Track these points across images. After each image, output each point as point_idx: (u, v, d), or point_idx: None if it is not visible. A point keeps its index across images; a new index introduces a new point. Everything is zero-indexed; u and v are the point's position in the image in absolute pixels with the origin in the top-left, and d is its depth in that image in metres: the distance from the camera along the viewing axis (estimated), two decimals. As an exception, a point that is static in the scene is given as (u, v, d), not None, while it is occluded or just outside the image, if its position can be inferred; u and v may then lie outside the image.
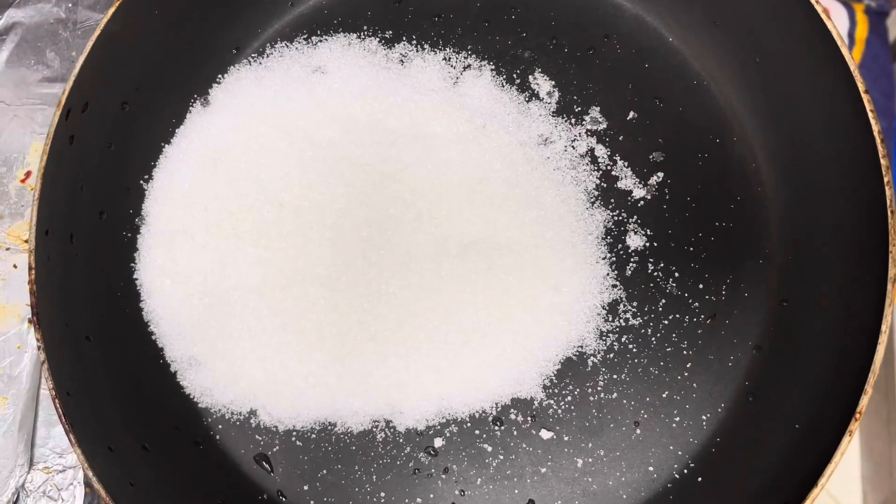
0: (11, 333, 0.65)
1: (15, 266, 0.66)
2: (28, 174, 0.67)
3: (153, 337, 0.59)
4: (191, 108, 0.62)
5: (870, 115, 0.51)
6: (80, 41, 0.69)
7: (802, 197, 0.58)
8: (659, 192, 0.60)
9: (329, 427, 0.58)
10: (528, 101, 0.61)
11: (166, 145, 0.62)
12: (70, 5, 0.70)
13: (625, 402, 0.57)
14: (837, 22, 0.78)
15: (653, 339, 0.58)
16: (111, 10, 0.55)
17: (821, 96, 0.55)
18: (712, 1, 0.59)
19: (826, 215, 0.56)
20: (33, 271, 0.54)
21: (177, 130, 0.62)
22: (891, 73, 0.80)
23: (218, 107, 0.62)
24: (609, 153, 0.61)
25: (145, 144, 0.61)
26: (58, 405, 0.52)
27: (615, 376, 0.58)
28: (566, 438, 0.57)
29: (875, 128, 0.51)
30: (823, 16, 0.52)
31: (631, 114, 0.61)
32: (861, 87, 0.52)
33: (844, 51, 0.52)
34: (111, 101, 0.58)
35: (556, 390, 0.58)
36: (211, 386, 0.59)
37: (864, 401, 0.49)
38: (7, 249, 0.66)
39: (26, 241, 0.66)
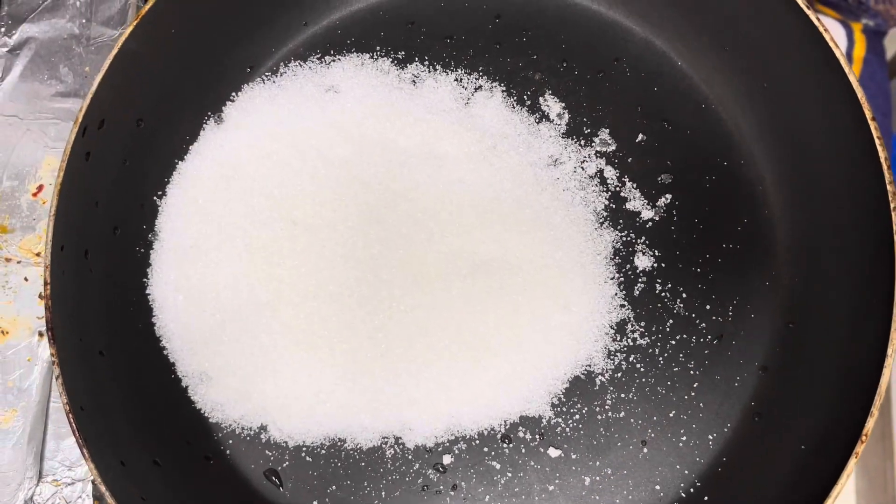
0: (22, 346, 0.66)
1: (26, 279, 0.67)
2: (40, 188, 0.68)
3: (165, 352, 0.60)
4: (205, 125, 0.63)
5: (877, 142, 0.52)
6: (93, 57, 0.70)
7: (809, 220, 0.58)
8: (667, 213, 0.61)
9: (339, 443, 0.59)
10: (538, 123, 0.62)
11: (180, 162, 0.62)
12: (84, 21, 0.70)
13: (632, 420, 0.58)
14: (836, 41, 0.79)
15: (660, 358, 0.59)
16: (128, 29, 0.56)
17: (828, 122, 0.56)
18: (721, 26, 0.60)
19: (833, 238, 0.57)
20: (48, 286, 0.54)
21: (191, 147, 0.63)
22: (888, 92, 0.81)
23: (231, 124, 0.63)
24: (618, 175, 0.61)
25: (160, 161, 0.62)
26: (72, 420, 0.52)
27: (623, 395, 0.58)
28: (574, 456, 0.58)
29: (882, 154, 0.52)
30: (832, 44, 0.53)
31: (640, 136, 0.62)
32: (868, 114, 0.53)
33: (852, 78, 0.53)
34: (127, 117, 0.59)
35: (564, 409, 0.58)
36: (222, 401, 0.59)
37: (871, 423, 0.50)
38: (18, 262, 0.67)
39: (38, 255, 0.67)
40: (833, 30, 0.81)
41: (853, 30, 0.82)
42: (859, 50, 0.82)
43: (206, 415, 0.59)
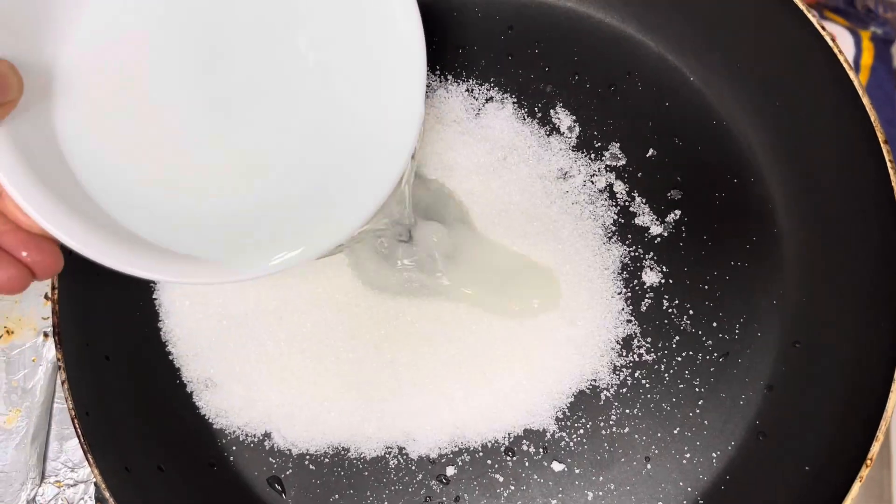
0: (27, 346, 0.66)
1: (32, 279, 0.67)
2: (48, 188, 0.68)
3: (171, 357, 0.60)
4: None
5: (889, 165, 0.52)
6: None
7: (819, 239, 0.58)
8: (676, 229, 0.61)
9: (342, 452, 0.59)
10: (548, 136, 0.62)
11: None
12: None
13: (636, 436, 0.58)
14: (843, 49, 0.78)
15: (666, 375, 0.59)
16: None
17: (839, 142, 0.56)
18: (734, 44, 0.60)
19: (842, 258, 0.57)
20: (56, 291, 0.54)
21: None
22: (895, 101, 0.81)
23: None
24: (627, 189, 0.61)
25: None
26: (76, 425, 0.53)
27: (627, 411, 0.58)
28: (577, 471, 0.58)
29: (893, 178, 0.52)
30: (846, 65, 0.53)
31: (650, 151, 0.62)
32: (881, 137, 0.53)
33: (866, 100, 0.53)
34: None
35: (568, 423, 0.58)
36: (226, 408, 0.59)
37: (875, 448, 0.50)
38: (25, 262, 0.67)
39: (44, 255, 0.67)
40: (841, 37, 0.80)
41: (861, 38, 0.82)
42: (867, 58, 0.82)
43: (210, 421, 0.59)
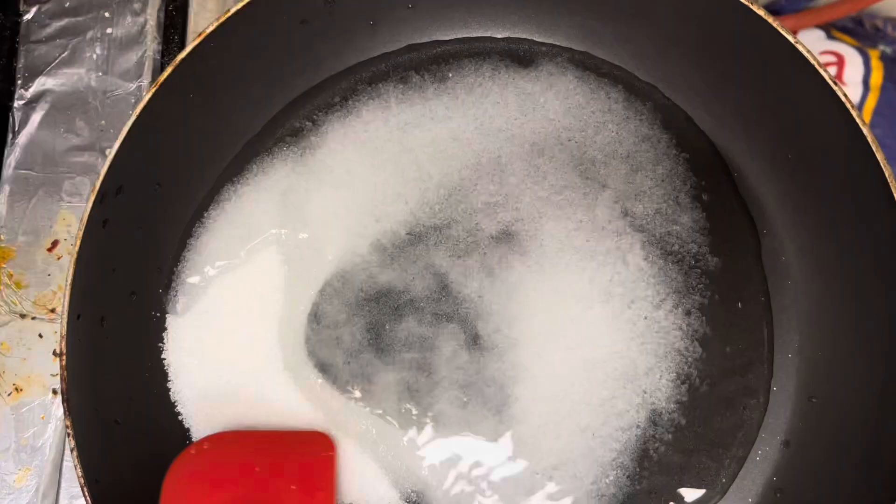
0: (35, 404, 0.65)
1: (40, 335, 0.67)
2: (55, 243, 0.68)
3: (180, 417, 0.60)
4: (224, 189, 0.62)
5: (903, 218, 0.52)
6: (109, 110, 0.70)
7: (833, 292, 0.58)
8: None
9: (351, 510, 0.58)
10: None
11: (198, 226, 0.62)
12: (100, 74, 0.70)
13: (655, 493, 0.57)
14: (852, 69, 0.78)
15: (682, 426, 0.58)
16: (147, 96, 0.56)
17: (852, 194, 0.55)
18: (743, 95, 0.59)
19: (858, 311, 0.56)
20: (65, 356, 0.54)
21: (207, 212, 0.62)
22: (906, 120, 0.80)
23: (253, 188, 0.62)
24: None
25: (177, 224, 0.61)
26: (86, 493, 0.52)
27: (645, 463, 0.58)
28: None
29: (908, 230, 0.52)
30: (859, 121, 0.52)
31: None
32: (892, 185, 0.52)
33: (880, 156, 0.52)
34: (145, 182, 0.58)
35: (583, 480, 0.58)
36: (237, 468, 0.59)
37: (896, 508, 0.50)
38: (33, 319, 0.67)
39: (52, 311, 0.67)
40: (850, 57, 0.80)
41: (870, 57, 0.81)
42: (876, 78, 0.81)
43: (220, 482, 0.59)
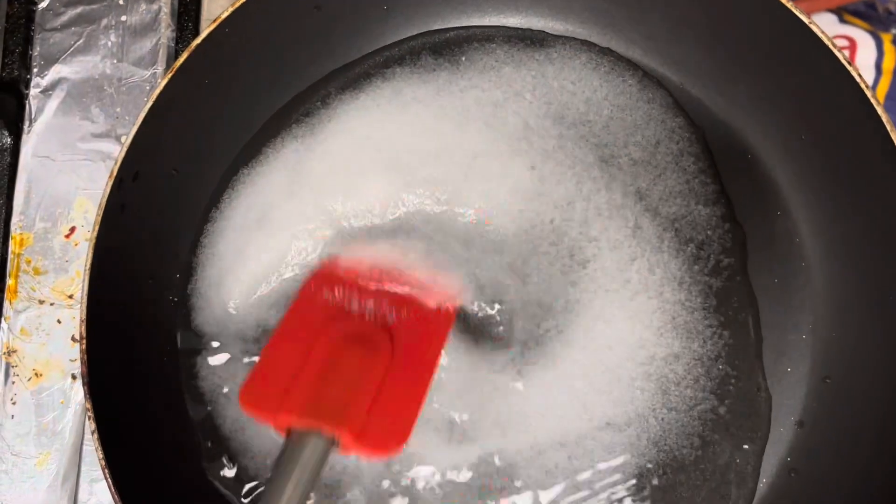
0: (55, 388, 0.66)
1: (59, 321, 0.67)
2: (73, 230, 0.68)
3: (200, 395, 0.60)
4: (240, 173, 0.63)
5: (918, 199, 0.52)
6: (124, 97, 0.70)
7: (848, 272, 0.58)
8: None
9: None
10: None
11: (214, 210, 0.62)
12: (115, 61, 0.70)
13: (667, 474, 0.58)
14: (864, 53, 0.77)
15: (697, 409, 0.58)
16: (163, 82, 0.56)
17: (866, 175, 0.56)
18: (757, 77, 0.59)
19: (871, 291, 0.57)
20: (84, 341, 0.54)
21: (223, 196, 0.62)
22: (918, 104, 0.80)
23: (267, 168, 0.63)
24: (653, 225, 0.61)
25: (194, 209, 0.62)
26: (107, 475, 0.53)
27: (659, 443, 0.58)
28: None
29: (922, 209, 0.52)
30: (874, 101, 0.53)
31: (676, 186, 0.61)
32: (909, 170, 0.52)
33: (892, 130, 0.52)
34: (161, 168, 0.59)
35: (597, 461, 0.58)
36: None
37: (909, 487, 0.50)
38: (52, 305, 0.67)
39: (70, 297, 0.67)
40: (862, 41, 0.79)
41: (883, 41, 0.80)
42: (889, 62, 0.81)
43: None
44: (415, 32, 0.65)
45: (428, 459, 0.57)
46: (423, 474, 0.57)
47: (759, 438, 0.57)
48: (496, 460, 0.57)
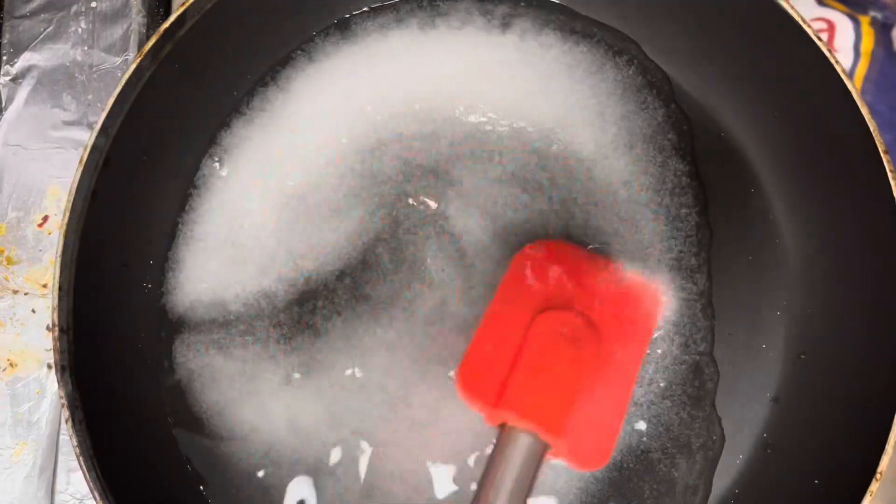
0: (31, 379, 0.66)
1: (33, 311, 0.67)
2: (45, 218, 0.67)
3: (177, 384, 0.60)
4: (209, 160, 0.62)
5: (889, 175, 0.52)
6: (96, 84, 0.69)
7: (821, 249, 0.58)
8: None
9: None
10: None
11: (192, 194, 0.62)
12: (86, 48, 0.70)
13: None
14: (843, 35, 0.77)
15: (673, 386, 0.58)
16: (132, 66, 0.55)
17: (839, 152, 0.56)
18: (730, 57, 0.59)
19: (846, 269, 0.57)
20: (56, 328, 0.54)
21: (198, 182, 0.62)
22: (897, 85, 0.80)
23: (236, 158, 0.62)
24: (628, 204, 0.61)
25: (166, 194, 0.61)
26: (82, 465, 0.52)
27: (635, 423, 0.58)
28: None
29: (895, 187, 0.52)
30: (843, 76, 0.53)
31: (651, 164, 0.61)
32: (881, 147, 0.52)
33: (865, 111, 0.52)
34: (132, 154, 0.58)
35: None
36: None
37: (885, 461, 0.50)
38: (25, 294, 0.67)
39: (45, 286, 0.67)
40: (840, 23, 0.79)
41: (861, 23, 0.80)
42: (867, 44, 0.81)
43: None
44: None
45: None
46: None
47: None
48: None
